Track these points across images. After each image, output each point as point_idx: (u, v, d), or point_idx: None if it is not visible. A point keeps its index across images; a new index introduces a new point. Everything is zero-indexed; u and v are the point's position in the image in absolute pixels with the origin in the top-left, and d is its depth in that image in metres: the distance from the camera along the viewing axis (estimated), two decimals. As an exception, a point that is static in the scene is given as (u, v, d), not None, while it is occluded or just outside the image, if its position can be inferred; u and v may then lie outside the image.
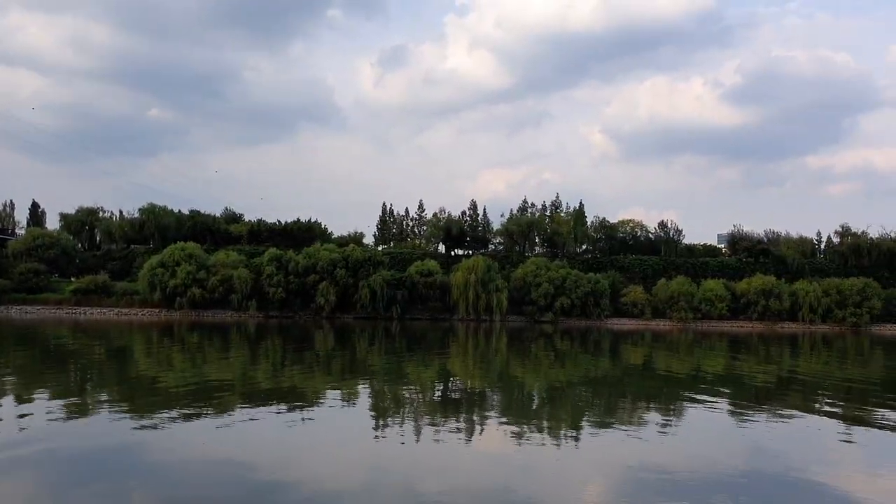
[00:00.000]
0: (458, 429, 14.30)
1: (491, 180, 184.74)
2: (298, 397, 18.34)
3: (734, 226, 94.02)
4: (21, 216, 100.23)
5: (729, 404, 19.04)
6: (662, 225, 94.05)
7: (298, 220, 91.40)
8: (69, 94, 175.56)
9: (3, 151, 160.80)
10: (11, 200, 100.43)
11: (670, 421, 16.07)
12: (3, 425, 13.59)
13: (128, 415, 14.91)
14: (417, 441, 13.02)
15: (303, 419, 15.01)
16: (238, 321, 64.66)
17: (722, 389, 22.16)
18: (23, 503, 8.75)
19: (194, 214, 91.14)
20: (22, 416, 14.79)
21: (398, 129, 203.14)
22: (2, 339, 39.24)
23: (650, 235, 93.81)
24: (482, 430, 14.47)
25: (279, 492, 9.41)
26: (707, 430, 14.98)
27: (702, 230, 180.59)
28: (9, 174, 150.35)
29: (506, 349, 39.70)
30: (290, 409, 16.04)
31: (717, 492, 9.89)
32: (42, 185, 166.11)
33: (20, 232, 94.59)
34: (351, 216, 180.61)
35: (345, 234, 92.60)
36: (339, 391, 20.07)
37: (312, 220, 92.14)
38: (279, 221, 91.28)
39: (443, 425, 14.53)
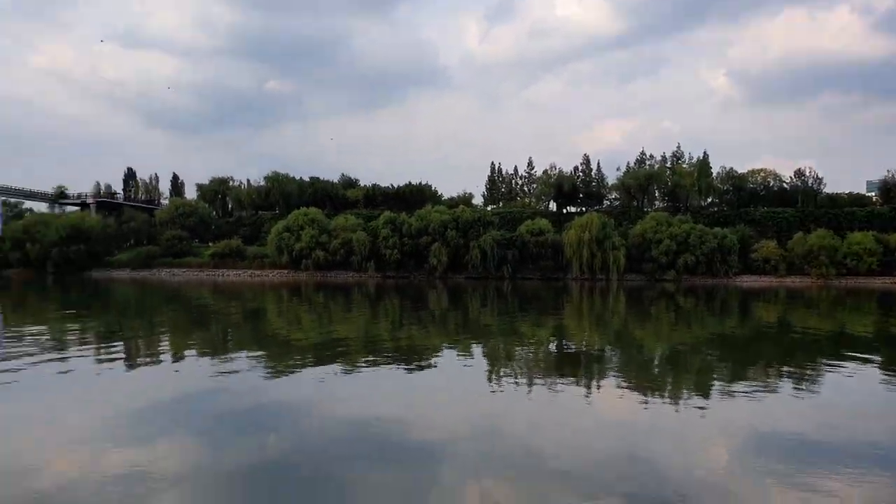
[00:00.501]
0: (576, 388, 14.24)
1: (604, 132, 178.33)
2: (417, 354, 19.02)
3: (888, 171, 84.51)
4: (164, 188, 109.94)
5: (879, 368, 17.52)
6: (799, 173, 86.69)
7: (409, 183, 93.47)
8: (197, 72, 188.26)
9: (147, 129, 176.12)
10: (156, 174, 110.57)
11: (807, 384, 15.07)
12: (160, 379, 15.24)
13: (263, 368, 16.16)
14: (534, 399, 13.12)
15: (421, 374, 15.59)
16: (358, 281, 67.72)
17: (870, 352, 20.40)
18: (179, 453, 9.78)
19: (314, 181, 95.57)
20: (175, 371, 16.47)
21: (505, 85, 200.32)
22: (155, 299, 43.66)
23: (784, 185, 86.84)
24: (601, 390, 14.30)
25: (401, 443, 9.89)
26: (850, 395, 13.90)
27: (844, 179, 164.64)
28: (152, 149, 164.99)
29: (624, 309, 38.74)
30: (409, 365, 16.69)
31: (857, 460, 9.22)
32: (179, 158, 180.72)
33: (164, 202, 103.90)
34: (460, 177, 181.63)
35: (454, 195, 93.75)
36: (455, 349, 20.58)
37: (423, 183, 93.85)
38: (392, 185, 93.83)
39: (560, 385, 14.52)
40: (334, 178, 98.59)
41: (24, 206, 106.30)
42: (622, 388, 14.39)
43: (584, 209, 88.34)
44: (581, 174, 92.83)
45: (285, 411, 11.87)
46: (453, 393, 13.81)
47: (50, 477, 8.21)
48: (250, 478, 8.20)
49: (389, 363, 17.00)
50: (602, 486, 8.12)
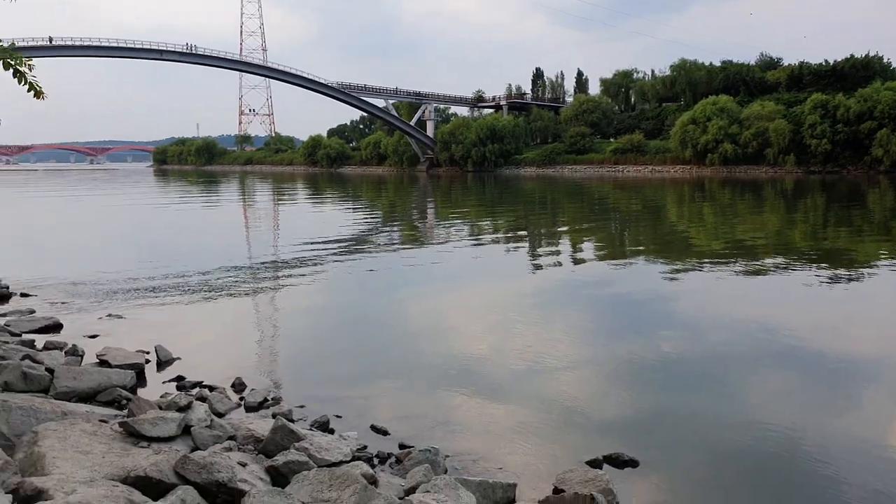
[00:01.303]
0: None
1: None
2: (841, 260, 16.35)
3: None
4: (569, 85, 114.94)
5: None
6: None
7: (851, 56, 77.36)
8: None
9: (554, 28, 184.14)
10: (561, 72, 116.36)
11: None
12: (561, 271, 16.53)
13: (659, 265, 16.07)
14: None
15: (846, 283, 13.39)
16: (773, 177, 60.92)
17: None
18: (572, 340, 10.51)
19: (726, 65, 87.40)
20: (576, 262, 17.63)
21: None
22: (558, 193, 47.08)
23: None
24: None
25: (805, 355, 8.74)
26: None
27: None
28: (559, 48, 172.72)
29: None
30: (829, 272, 14.49)
31: None
32: (584, 54, 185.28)
33: (568, 99, 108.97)
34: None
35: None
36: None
37: (870, 55, 76.72)
38: (825, 62, 79.20)
39: None
40: (751, 59, 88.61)
41: (449, 112, 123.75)
42: None
43: None
44: None
45: (681, 309, 11.63)
46: (882, 309, 11.50)
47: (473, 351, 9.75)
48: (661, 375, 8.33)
49: (805, 268, 15.03)
50: None
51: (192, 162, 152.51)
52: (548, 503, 4.47)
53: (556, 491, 4.76)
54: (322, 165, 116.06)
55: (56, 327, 9.74)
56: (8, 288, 12.40)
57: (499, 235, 22.96)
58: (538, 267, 16.43)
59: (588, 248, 19.35)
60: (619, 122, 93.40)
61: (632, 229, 25.01)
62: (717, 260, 16.36)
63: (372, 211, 35.30)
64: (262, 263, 16.68)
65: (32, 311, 10.60)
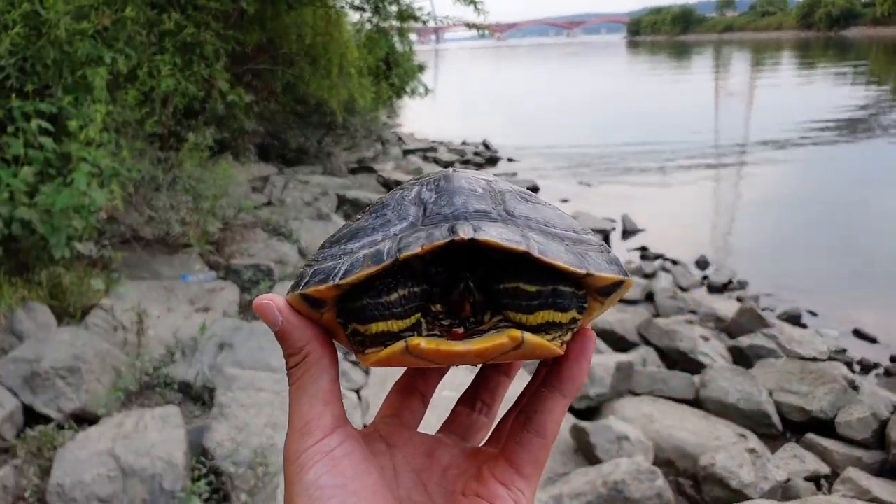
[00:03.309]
0: None
1: None
2: None
3: None
4: None
5: None
6: None
7: None
8: None
9: None
10: None
11: None
12: None
13: None
14: None
15: None
16: None
17: None
18: None
19: None
20: None
21: None
22: None
23: None
24: None
25: None
26: None
27: None
28: None
29: None
30: None
31: None
32: None
33: None
34: None
35: None
36: None
37: None
38: None
39: None
40: None
41: None
42: None
43: None
44: None
45: None
46: None
47: None
48: None
49: None
50: None
51: (666, 32, 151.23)
52: None
53: None
54: (819, 28, 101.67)
55: (534, 189, 11.31)
56: (497, 152, 14.85)
57: None
58: None
59: None
60: None
61: None
62: None
63: (881, 87, 29.80)
64: (733, 144, 15.99)
65: (515, 174, 12.50)
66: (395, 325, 0.51)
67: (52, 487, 2.70)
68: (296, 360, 0.55)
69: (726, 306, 5.76)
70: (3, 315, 4.01)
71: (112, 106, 4.79)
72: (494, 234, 0.50)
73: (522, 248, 0.49)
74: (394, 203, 0.56)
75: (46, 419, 3.34)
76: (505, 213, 0.53)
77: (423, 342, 0.51)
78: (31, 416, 3.37)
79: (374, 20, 8.19)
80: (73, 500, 2.67)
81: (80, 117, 4.39)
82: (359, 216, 0.58)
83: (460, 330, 0.53)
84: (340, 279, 0.50)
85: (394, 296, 0.51)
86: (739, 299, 6.15)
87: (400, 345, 0.51)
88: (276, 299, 0.55)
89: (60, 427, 3.25)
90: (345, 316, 0.53)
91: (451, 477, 0.58)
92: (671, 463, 3.39)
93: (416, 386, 0.64)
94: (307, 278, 0.53)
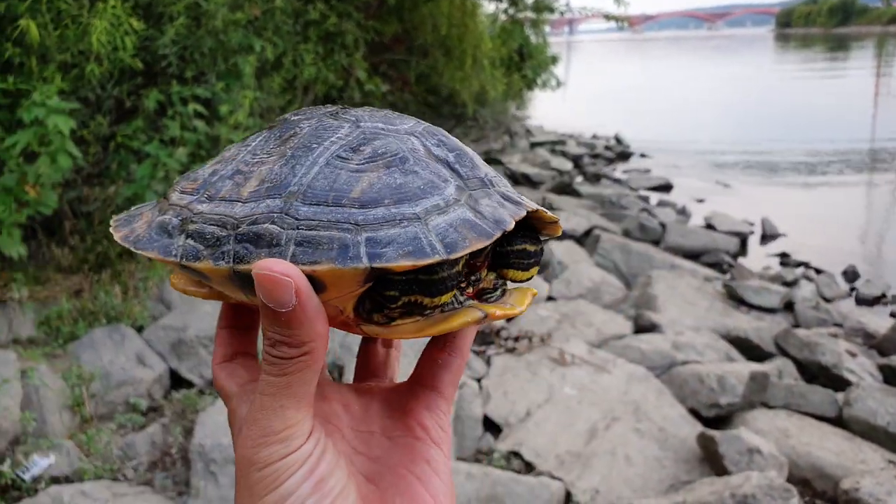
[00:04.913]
0: None
1: None
2: None
3: None
4: None
5: None
6: None
7: None
8: None
9: None
10: None
11: None
12: None
13: None
14: None
15: None
16: None
17: None
18: None
19: None
20: None
21: None
22: None
23: None
24: None
25: None
26: None
27: None
28: None
29: None
30: None
31: None
32: None
33: None
34: None
35: None
36: None
37: None
38: None
39: None
40: None
41: None
42: None
43: None
44: None
45: None
46: None
47: None
48: None
49: None
50: None
51: (822, 23, 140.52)
52: None
53: None
54: None
55: (667, 187, 10.93)
56: (629, 147, 14.42)
57: None
58: None
59: None
60: None
61: None
62: None
63: None
64: (891, 148, 14.62)
65: (648, 171, 12.10)
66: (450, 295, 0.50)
67: (195, 447, 2.93)
68: (291, 353, 0.46)
69: (878, 321, 5.30)
70: (155, 284, 4.40)
71: (259, 92, 5.11)
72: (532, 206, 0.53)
73: (552, 214, 0.54)
74: (413, 159, 0.52)
75: (189, 384, 3.64)
76: (488, 181, 0.54)
77: (497, 310, 0.52)
78: (177, 381, 3.68)
79: (510, 11, 8.18)
80: (213, 460, 2.88)
81: (230, 102, 4.71)
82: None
83: (470, 290, 0.54)
84: (449, 252, 0.45)
85: (461, 264, 0.50)
86: (894, 314, 5.65)
87: (475, 314, 0.51)
88: (295, 276, 0.44)
89: (202, 392, 3.52)
90: (402, 288, 0.48)
91: (390, 424, 0.57)
92: (807, 482, 3.18)
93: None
94: (381, 247, 0.45)
